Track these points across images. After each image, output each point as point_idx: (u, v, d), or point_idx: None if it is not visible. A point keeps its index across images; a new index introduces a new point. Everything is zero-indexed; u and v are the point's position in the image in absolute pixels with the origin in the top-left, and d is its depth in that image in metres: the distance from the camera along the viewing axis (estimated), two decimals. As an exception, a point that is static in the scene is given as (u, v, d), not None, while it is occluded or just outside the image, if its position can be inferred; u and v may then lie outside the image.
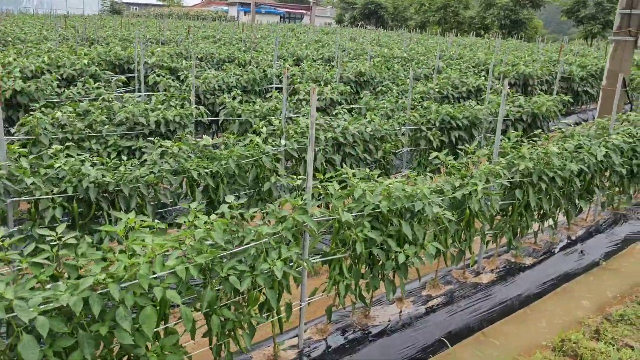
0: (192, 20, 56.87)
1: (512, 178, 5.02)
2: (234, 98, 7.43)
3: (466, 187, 4.34)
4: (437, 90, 10.04)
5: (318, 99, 8.21)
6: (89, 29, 20.29)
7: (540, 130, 6.33)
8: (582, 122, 13.45)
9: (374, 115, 6.73)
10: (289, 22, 74.62)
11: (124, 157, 4.73)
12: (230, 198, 3.33)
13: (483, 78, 11.31)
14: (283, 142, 5.49)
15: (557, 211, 5.66)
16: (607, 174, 6.43)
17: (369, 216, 3.81)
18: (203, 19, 61.31)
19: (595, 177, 5.99)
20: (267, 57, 13.74)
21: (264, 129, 5.60)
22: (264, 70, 9.68)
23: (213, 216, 3.15)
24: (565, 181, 5.45)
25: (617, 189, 6.95)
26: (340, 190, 3.80)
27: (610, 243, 6.37)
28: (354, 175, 4.05)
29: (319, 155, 5.76)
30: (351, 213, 3.71)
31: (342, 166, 6.00)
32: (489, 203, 4.61)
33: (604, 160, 5.78)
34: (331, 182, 3.85)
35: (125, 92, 8.75)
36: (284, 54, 14.70)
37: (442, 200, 4.24)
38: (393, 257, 3.82)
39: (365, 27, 53.62)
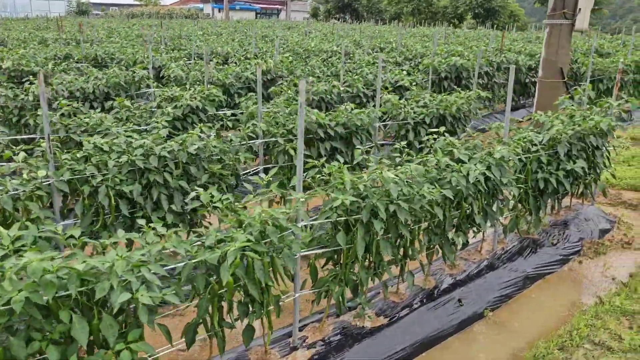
0: (161, 19, 55.16)
1: (328, 218, 3.60)
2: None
3: (216, 251, 2.89)
4: (343, 88, 8.60)
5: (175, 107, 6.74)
6: None
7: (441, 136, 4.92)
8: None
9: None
10: (266, 18, 72.95)
11: None
12: None
13: (405, 72, 9.88)
14: (43, 172, 4.03)
15: (415, 252, 4.23)
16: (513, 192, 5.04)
17: None
18: (173, 17, 59.67)
19: (477, 201, 4.57)
20: (179, 54, 12.28)
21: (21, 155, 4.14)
22: (133, 72, 8.20)
23: None
24: (423, 213, 4.04)
25: (523, 209, 5.55)
26: None
27: (505, 283, 4.96)
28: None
29: (101, 188, 4.30)
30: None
31: (148, 199, 4.57)
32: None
33: (480, 181, 4.35)
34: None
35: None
36: (200, 51, 13.20)
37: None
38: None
39: (342, 21, 52.13)
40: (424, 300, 4.49)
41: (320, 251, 3.73)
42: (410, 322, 4.21)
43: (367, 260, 3.91)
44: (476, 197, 4.55)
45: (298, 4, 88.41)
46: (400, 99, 7.61)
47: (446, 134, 4.82)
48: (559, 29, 9.04)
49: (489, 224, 4.86)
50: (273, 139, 5.63)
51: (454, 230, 4.64)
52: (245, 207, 3.47)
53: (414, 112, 7.09)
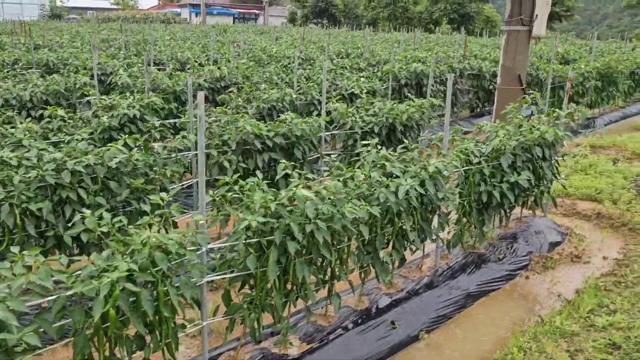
0: (138, 23, 54.48)
1: (238, 240, 3.32)
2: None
3: (92, 282, 2.59)
4: (296, 96, 8.34)
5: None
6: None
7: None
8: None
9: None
10: (244, 23, 72.60)
11: None
12: None
13: (363, 79, 9.66)
14: None
15: (342, 272, 3.96)
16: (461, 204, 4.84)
17: None
18: (151, 21, 59.03)
19: (411, 218, 4.34)
20: (138, 59, 11.91)
21: None
22: (75, 79, 7.84)
23: None
24: (348, 232, 3.78)
25: (467, 223, 5.34)
26: None
27: (445, 302, 4.73)
28: None
29: (4, 207, 3.96)
30: None
31: (61, 217, 4.25)
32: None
33: (412, 197, 4.11)
34: None
35: None
36: (161, 57, 12.86)
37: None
38: None
39: (321, 26, 52.06)
40: (355, 323, 4.23)
41: (230, 275, 3.45)
42: (337, 348, 3.95)
43: (285, 284, 3.64)
44: (409, 213, 4.32)
45: (277, 9, 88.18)
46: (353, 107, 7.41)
47: (379, 146, 4.58)
48: (516, 35, 8.92)
49: (428, 240, 4.63)
50: (206, 150, 5.34)
51: (389, 247, 4.40)
52: (147, 229, 3.18)
53: (363, 121, 6.87)
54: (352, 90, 8.53)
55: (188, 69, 10.59)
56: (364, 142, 4.83)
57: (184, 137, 5.20)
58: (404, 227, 4.27)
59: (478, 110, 13.11)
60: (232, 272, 3.48)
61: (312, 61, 12.70)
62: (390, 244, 4.37)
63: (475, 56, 14.55)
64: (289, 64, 12.90)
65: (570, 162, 8.79)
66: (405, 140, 5.31)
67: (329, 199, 3.66)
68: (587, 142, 9.83)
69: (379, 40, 23.38)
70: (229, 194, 3.53)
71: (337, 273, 3.94)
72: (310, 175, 4.11)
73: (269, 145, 5.64)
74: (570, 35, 38.75)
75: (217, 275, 3.40)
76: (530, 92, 12.07)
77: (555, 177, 6.13)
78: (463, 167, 5.05)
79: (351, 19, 57.38)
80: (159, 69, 12.43)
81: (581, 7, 43.21)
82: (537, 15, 8.74)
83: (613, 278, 5.27)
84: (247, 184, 3.59)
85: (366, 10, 52.18)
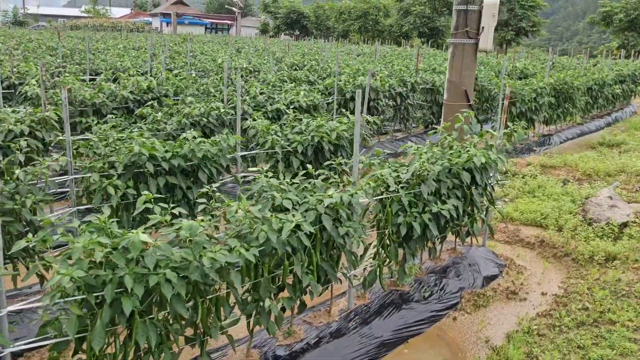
0: (106, 32, 53.29)
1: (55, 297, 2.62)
2: None
3: None
4: (224, 110, 7.67)
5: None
6: None
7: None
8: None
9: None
10: (215, 33, 71.80)
11: None
12: None
13: (303, 93, 9.04)
14: None
15: (216, 328, 3.28)
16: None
17: None
18: (119, 30, 57.89)
19: (307, 258, 3.69)
20: (72, 68, 11.12)
21: None
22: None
23: None
24: (214, 282, 3.11)
25: (387, 258, 4.71)
26: None
27: (353, 354, 4.08)
28: None
29: None
30: None
31: None
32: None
33: (300, 237, 3.47)
34: None
35: None
36: (99, 66, 12.07)
37: None
38: None
39: (295, 38, 51.66)
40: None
41: (51, 342, 2.74)
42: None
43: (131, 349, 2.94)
44: (305, 253, 3.68)
45: (250, 19, 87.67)
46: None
47: (268, 173, 3.93)
48: (462, 48, 8.41)
49: (335, 280, 3.99)
50: (86, 175, 4.63)
51: (286, 292, 3.74)
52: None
53: (288, 140, 6.23)
54: (277, 106, 7.85)
55: (114, 80, 9.82)
56: (251, 168, 4.16)
57: (55, 159, 4.46)
58: (297, 270, 3.62)
59: (433, 126, 12.61)
60: (55, 336, 2.78)
61: (257, 72, 12.06)
62: (285, 287, 3.71)
63: (433, 69, 14.12)
64: (231, 75, 12.24)
65: (519, 182, 8.29)
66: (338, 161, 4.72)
67: (190, 240, 3.00)
68: (538, 161, 9.36)
69: (343, 52, 22.89)
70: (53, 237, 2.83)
71: (209, 328, 3.27)
72: (180, 210, 3.44)
73: (165, 169, 4.94)
74: (543, 51, 38.92)
75: (27, 344, 2.68)
76: (478, 108, 11.66)
77: (492, 203, 5.58)
78: (377, 195, 4.44)
79: (323, 31, 57.16)
80: (92, 80, 11.68)
81: (547, 22, 43.55)
82: (483, 27, 8.27)
83: (549, 320, 4.70)
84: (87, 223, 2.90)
85: (337, 23, 51.97)
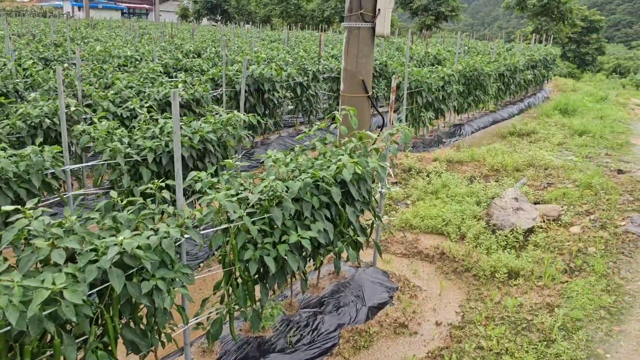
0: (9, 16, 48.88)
1: None
2: None
3: None
4: (75, 109, 6.37)
5: None
6: None
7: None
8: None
9: None
10: (135, 18, 67.96)
11: None
12: None
13: (182, 85, 7.84)
14: None
15: None
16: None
17: None
18: (23, 15, 53.42)
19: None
20: None
21: None
22: None
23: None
24: None
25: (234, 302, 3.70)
26: None
27: None
28: None
29: None
30: None
31: None
32: None
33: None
34: None
35: None
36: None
37: None
38: None
39: (222, 23, 49.44)
40: None
41: None
42: None
43: None
44: (91, 324, 2.60)
45: (172, 4, 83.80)
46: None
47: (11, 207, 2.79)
48: (357, 33, 7.49)
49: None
50: None
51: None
52: None
53: (138, 147, 5.07)
54: (128, 103, 6.57)
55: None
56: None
57: None
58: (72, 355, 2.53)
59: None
60: None
61: (138, 62, 10.67)
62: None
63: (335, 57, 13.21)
64: (124, 63, 10.80)
65: (423, 182, 7.53)
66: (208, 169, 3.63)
67: None
68: (445, 155, 8.67)
69: (258, 39, 21.61)
70: None
71: None
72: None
73: (-60, 196, 3.69)
74: (461, 36, 39.04)
75: None
76: (377, 99, 10.86)
77: (377, 217, 4.70)
78: (218, 224, 3.41)
79: (244, 16, 55.34)
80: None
81: (465, 7, 43.84)
82: (379, 10, 7.39)
83: (439, 363, 3.88)
84: None
85: (258, 8, 50.35)
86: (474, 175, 7.92)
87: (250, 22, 52.28)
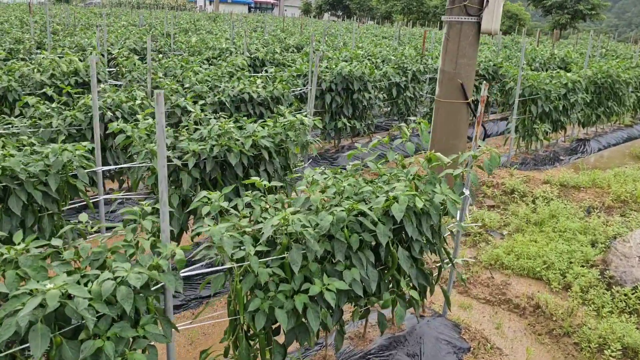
0: (147, 9, 52.79)
1: None
2: None
3: None
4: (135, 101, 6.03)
5: None
6: None
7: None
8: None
9: None
10: (259, 12, 70.34)
11: None
12: None
13: (259, 82, 7.27)
14: None
15: None
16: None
17: None
18: (161, 8, 57.46)
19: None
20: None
21: None
22: None
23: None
24: None
25: None
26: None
27: None
28: None
29: None
30: None
31: None
32: None
33: None
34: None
35: None
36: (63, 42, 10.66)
37: None
38: None
39: (342, 19, 49.59)
40: None
41: None
42: None
43: None
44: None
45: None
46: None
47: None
48: (459, 29, 6.40)
49: None
50: None
51: None
52: None
53: (181, 150, 4.51)
54: (179, 101, 5.99)
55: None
56: None
57: None
58: None
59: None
60: None
61: (229, 55, 10.32)
62: None
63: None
64: (217, 55, 10.57)
65: (526, 209, 6.27)
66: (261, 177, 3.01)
67: None
68: (558, 178, 7.25)
69: (365, 35, 20.81)
70: None
71: None
72: None
73: None
74: (598, 37, 35.03)
75: None
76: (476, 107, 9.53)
77: (449, 260, 3.70)
78: (221, 263, 2.68)
79: (365, 12, 54.79)
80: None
81: (608, 5, 39.30)
82: (487, 1, 6.24)
83: None
84: None
85: (379, 4, 49.45)
86: (592, 206, 6.48)
87: (369, 18, 51.55)
